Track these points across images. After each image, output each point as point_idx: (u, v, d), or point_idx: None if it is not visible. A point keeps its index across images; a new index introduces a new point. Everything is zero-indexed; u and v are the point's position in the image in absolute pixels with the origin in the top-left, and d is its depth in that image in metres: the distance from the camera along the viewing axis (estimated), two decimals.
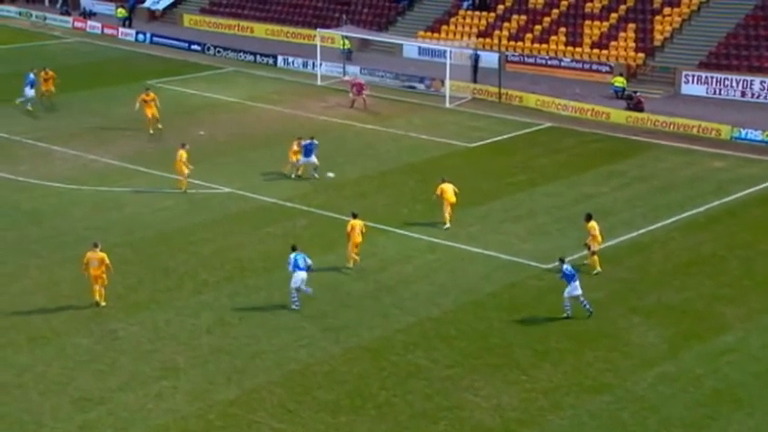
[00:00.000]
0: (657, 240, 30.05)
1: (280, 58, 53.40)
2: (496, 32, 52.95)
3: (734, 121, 41.43)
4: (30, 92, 42.99)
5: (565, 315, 24.87)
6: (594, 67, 49.28)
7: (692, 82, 46.49)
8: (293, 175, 34.72)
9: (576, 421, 20.61)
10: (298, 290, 25.24)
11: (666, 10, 50.49)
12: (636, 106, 43.66)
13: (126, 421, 20.51)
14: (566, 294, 24.88)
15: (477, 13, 54.59)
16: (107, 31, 61.68)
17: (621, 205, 32.85)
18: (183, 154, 33.65)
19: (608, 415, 20.86)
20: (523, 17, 53.24)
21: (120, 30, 61.32)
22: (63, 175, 35.72)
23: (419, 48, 53.34)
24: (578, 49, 50.51)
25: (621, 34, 50.18)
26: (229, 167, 36.63)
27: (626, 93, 45.53)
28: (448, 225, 30.53)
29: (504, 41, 52.26)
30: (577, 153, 38.96)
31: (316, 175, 34.61)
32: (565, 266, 24.99)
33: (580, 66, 49.64)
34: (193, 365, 22.66)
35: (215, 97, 46.98)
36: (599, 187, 34.64)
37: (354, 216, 27.86)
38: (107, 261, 25.22)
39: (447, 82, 46.13)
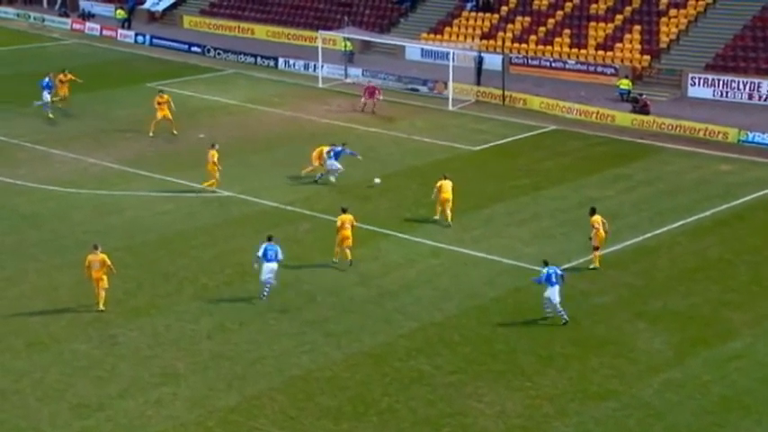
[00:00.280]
0: (664, 245, 30.04)
1: (281, 60, 53.45)
2: (500, 34, 52.98)
3: (741, 124, 41.41)
4: (47, 96, 42.46)
5: (562, 321, 24.82)
6: (599, 69, 49.28)
7: (699, 84, 46.49)
8: (317, 178, 34.56)
9: (581, 428, 20.60)
10: (265, 282, 25.64)
11: (672, 11, 50.50)
12: (642, 109, 43.66)
13: (125, 428, 20.51)
14: (545, 295, 24.75)
15: (481, 14, 54.63)
16: (106, 32, 61.76)
17: (627, 209, 32.84)
18: (213, 154, 33.72)
19: (613, 422, 20.85)
20: (527, 19, 53.26)
21: (120, 31, 61.40)
22: (62, 179, 35.76)
23: (422, 50, 53.37)
24: (583, 51, 50.52)
25: (627, 36, 50.19)
26: (230, 171, 36.59)
27: (631, 95, 45.53)
28: (449, 221, 30.83)
29: (508, 43, 52.27)
30: (582, 156, 38.96)
31: (332, 179, 34.51)
32: (547, 270, 24.74)
33: (585, 68, 49.65)
34: (193, 371, 22.66)
35: (215, 100, 47.02)
36: (604, 191, 34.63)
37: (344, 211, 28.15)
38: (108, 262, 25.24)
39: (450, 84, 46.14)
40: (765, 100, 45.06)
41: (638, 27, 50.31)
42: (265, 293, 25.91)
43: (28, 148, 39.39)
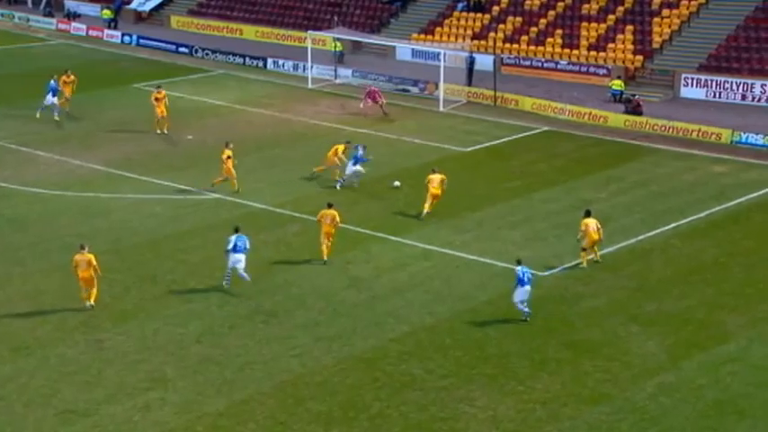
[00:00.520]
0: (657, 247, 30.11)
1: (270, 61, 53.39)
2: (491, 34, 53.04)
3: (734, 125, 41.54)
4: (51, 99, 41.95)
5: (523, 318, 25.01)
6: (592, 69, 49.38)
7: (692, 85, 46.63)
8: (338, 184, 34.39)
9: None
10: (233, 270, 26.13)
11: (665, 11, 50.64)
12: (634, 110, 43.76)
13: None
14: (516, 298, 25.02)
15: (472, 14, 54.69)
16: (92, 32, 61.58)
17: (620, 211, 32.90)
18: (228, 152, 33.88)
19: (607, 426, 20.86)
20: (519, 19, 53.35)
21: (106, 31, 61.23)
22: (48, 181, 35.63)
23: (413, 50, 53.40)
24: (575, 52, 50.61)
25: (619, 36, 50.32)
26: (218, 173, 36.55)
27: (624, 96, 45.64)
28: (424, 214, 31.27)
29: (500, 44, 52.34)
30: (575, 158, 39.02)
31: (355, 184, 34.46)
32: (519, 269, 24.96)
33: (577, 68, 49.75)
34: (182, 376, 22.59)
35: (203, 101, 46.94)
36: (597, 193, 34.68)
37: (329, 206, 28.45)
38: (94, 263, 25.26)
39: (441, 85, 46.17)
40: (759, 101, 45.23)
41: (630, 27, 50.45)
42: (227, 282, 26.56)
43: (13, 150, 39.24)
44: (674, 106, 45.30)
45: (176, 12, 63.30)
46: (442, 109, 45.55)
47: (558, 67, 50.09)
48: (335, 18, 55.96)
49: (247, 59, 54.14)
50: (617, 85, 46.48)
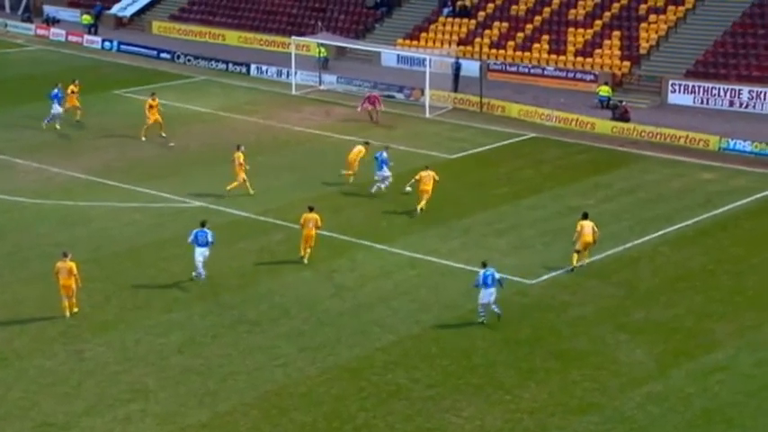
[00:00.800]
0: (645, 254, 30.22)
1: (253, 67, 53.37)
2: (477, 40, 53.21)
3: (722, 131, 41.80)
4: (57, 108, 41.70)
5: (479, 320, 25.30)
6: (579, 75, 49.60)
7: (679, 91, 46.90)
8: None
9: None
10: (203, 266, 27.26)
11: (652, 17, 50.94)
12: (622, 116, 43.96)
13: None
14: (479, 300, 25.27)
15: (458, 20, 54.84)
16: (72, 38, 61.42)
17: (608, 218, 33.00)
18: (239, 156, 34.22)
19: None
20: (505, 24, 53.55)
21: (86, 37, 61.08)
22: (26, 189, 35.47)
23: (398, 56, 53.49)
24: (562, 58, 50.83)
25: (606, 42, 50.57)
26: (201, 180, 36.50)
27: (611, 102, 45.84)
28: (418, 210, 32.27)
29: (486, 49, 52.53)
30: (562, 164, 39.16)
31: (382, 187, 34.62)
32: (484, 271, 25.11)
33: (564, 74, 49.95)
34: (163, 387, 22.50)
35: (186, 107, 46.85)
36: (585, 199, 34.80)
37: (310, 210, 28.94)
38: (75, 271, 25.25)
39: (427, 91, 46.26)
40: (746, 107, 45.52)
41: (617, 33, 50.71)
42: (197, 274, 27.45)
43: None
44: (662, 112, 45.54)
45: (157, 17, 63.21)
46: (427, 115, 45.63)
47: (545, 73, 50.28)
48: (320, 23, 56.01)
49: (230, 65, 54.11)
50: (604, 91, 46.69)
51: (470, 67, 48.87)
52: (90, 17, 62.66)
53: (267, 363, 23.60)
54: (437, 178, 32.97)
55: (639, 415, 21.61)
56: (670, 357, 24.05)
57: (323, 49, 52.15)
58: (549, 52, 51.29)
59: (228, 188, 34.30)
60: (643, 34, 50.25)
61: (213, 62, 54.77)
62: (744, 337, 25.10)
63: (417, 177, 32.73)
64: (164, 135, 41.02)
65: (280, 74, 52.10)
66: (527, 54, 51.63)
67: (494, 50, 52.44)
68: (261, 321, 25.66)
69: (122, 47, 58.84)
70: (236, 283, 27.90)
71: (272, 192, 35.20)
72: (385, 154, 34.89)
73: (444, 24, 54.95)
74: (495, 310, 25.31)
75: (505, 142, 42.07)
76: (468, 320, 25.73)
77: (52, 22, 64.78)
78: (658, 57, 49.46)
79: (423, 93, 46.81)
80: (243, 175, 34.24)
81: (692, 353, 24.27)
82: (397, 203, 34.03)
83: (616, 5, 52.14)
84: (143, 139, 40.83)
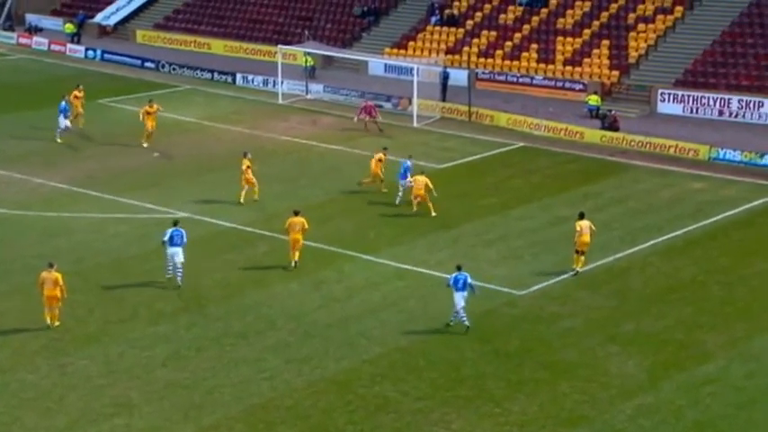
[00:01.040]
0: (635, 265, 30.31)
1: (239, 76, 53.37)
2: (466, 49, 53.36)
3: (712, 140, 42.00)
4: (64, 122, 41.54)
5: (449, 323, 25.69)
6: (568, 84, 49.79)
7: (669, 100, 47.13)
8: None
9: None
10: (174, 265, 27.85)
11: (641, 26, 51.21)
12: (611, 125, 44.13)
13: None
14: (453, 303, 25.64)
15: (446, 28, 55.00)
16: (54, 47, 61.28)
17: (598, 228, 32.90)
18: (246, 162, 34.61)
19: None
20: (493, 33, 53.73)
21: (69, 46, 60.94)
22: (8, 200, 35.33)
23: (385, 65, 53.58)
24: (551, 67, 51.01)
25: (595, 51, 50.79)
26: (186, 191, 36.44)
27: (601, 111, 46.03)
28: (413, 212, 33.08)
29: (474, 58, 52.67)
30: (551, 174, 39.27)
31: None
32: (456, 275, 25.46)
33: (553, 83, 50.13)
34: (148, 401, 22.41)
35: (171, 117, 46.70)
36: (574, 209, 34.69)
37: (296, 214, 29.32)
38: (61, 282, 25.20)
39: (415, 100, 46.35)
40: (736, 116, 45.78)
41: (606, 42, 50.94)
42: (170, 274, 27.92)
43: None
44: (652, 122, 45.75)
45: (142, 26, 63.16)
46: (415, 125, 45.71)
47: (534, 82, 50.45)
48: (306, 32, 56.08)
49: (216, 74, 54.09)
50: (593, 100, 46.88)
51: (458, 77, 49.00)
52: (73, 26, 62.55)
53: (253, 376, 23.54)
54: (431, 186, 33.45)
55: (630, 428, 21.63)
56: (661, 369, 24.10)
57: (309, 58, 52.20)
58: (538, 61, 51.47)
59: (241, 200, 34.59)
60: (632, 43, 50.50)
61: (198, 71, 54.74)
62: (735, 349, 25.18)
63: (411, 180, 33.59)
64: (145, 145, 41.06)
65: (266, 83, 52.10)
66: (516, 63, 51.81)
67: (482, 59, 52.60)
68: (247, 333, 25.61)
69: (106, 56, 58.75)
70: (222, 295, 27.84)
71: (258, 202, 35.17)
72: (409, 163, 35.26)
73: (432, 33, 55.09)
74: (465, 321, 25.49)
75: (494, 152, 42.17)
76: (457, 332, 25.74)
77: (35, 30, 64.64)
78: (647, 66, 49.71)
79: (410, 102, 46.89)
80: (252, 180, 34.66)
81: (683, 365, 24.33)
82: (384, 214, 34.03)
83: (605, 14, 52.40)
84: (144, 145, 41.05)
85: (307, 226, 29.20)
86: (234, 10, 61.36)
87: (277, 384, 23.18)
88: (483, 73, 51.38)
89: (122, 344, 25.01)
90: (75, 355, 24.44)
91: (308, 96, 50.36)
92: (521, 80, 50.70)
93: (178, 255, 27.80)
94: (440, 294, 28.03)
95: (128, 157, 40.51)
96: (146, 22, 63.46)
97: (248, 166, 34.63)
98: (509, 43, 52.86)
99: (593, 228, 29.24)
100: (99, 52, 59.18)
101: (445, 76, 48.90)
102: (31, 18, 66.24)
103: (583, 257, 29.25)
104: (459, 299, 25.48)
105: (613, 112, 45.06)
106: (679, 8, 51.28)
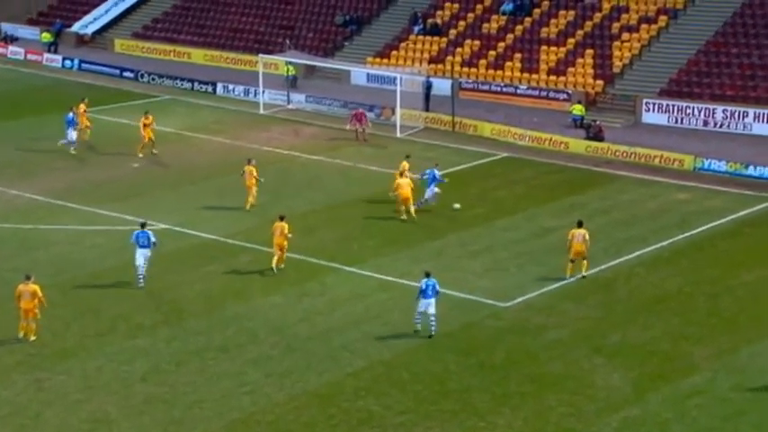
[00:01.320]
0: (621, 276, 30.41)
1: (219, 86, 53.32)
2: (449, 58, 53.51)
3: (697, 150, 42.24)
4: (72, 134, 41.48)
5: (414, 330, 25.97)
6: (552, 94, 49.99)
7: (653, 110, 47.38)
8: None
9: None
10: (140, 267, 28.37)
11: (625, 35, 51.51)
12: (596, 135, 44.32)
13: None
14: (417, 308, 25.97)
15: (429, 38, 55.15)
16: (31, 56, 61.04)
17: None
18: (251, 170, 34.96)
19: None
20: (477, 42, 53.91)
21: (46, 55, 60.72)
22: None
23: (368, 74, 53.64)
24: (534, 76, 51.20)
25: (579, 60, 51.04)
26: (166, 202, 36.32)
27: (585, 121, 46.22)
28: (404, 217, 33.56)
29: (457, 68, 52.82)
30: (536, 185, 39.38)
31: (433, 203, 35.31)
32: (426, 281, 25.81)
33: (537, 93, 50.31)
34: (126, 416, 22.28)
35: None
36: (559, 220, 34.96)
37: (281, 219, 29.76)
38: (39, 294, 25.11)
39: (398, 110, 46.43)
40: (721, 126, 46.06)
41: (590, 51, 51.20)
42: (140, 281, 28.43)
43: None
44: (636, 132, 45.97)
45: (120, 35, 63.01)
46: (398, 135, 45.77)
47: (518, 91, 50.62)
48: (288, 41, 56.10)
49: (196, 84, 54.02)
50: (578, 110, 47.07)
51: (442, 86, 49.12)
52: (50, 35, 62.30)
53: (234, 390, 23.44)
54: (413, 186, 34.19)
55: None
56: (647, 381, 24.16)
57: (291, 68, 52.21)
58: (522, 71, 51.65)
59: (248, 207, 34.82)
60: (616, 53, 50.78)
61: (178, 81, 54.65)
62: (721, 360, 25.27)
63: (395, 185, 34.10)
64: (154, 152, 41.61)
65: (247, 93, 52.07)
66: (499, 72, 51.99)
67: (465, 69, 52.76)
68: (228, 347, 25.50)
69: (84, 65, 58.55)
70: (203, 308, 27.73)
71: (239, 213, 35.09)
72: (437, 171, 35.60)
73: (415, 42, 55.22)
74: (432, 328, 25.72)
75: (478, 162, 42.26)
76: (442, 345, 25.72)
77: (10, 40, 64.35)
78: (632, 75, 49.98)
79: (393, 112, 46.96)
80: (254, 188, 34.88)
81: (669, 377, 24.40)
82: (368, 225, 34.00)
83: (589, 24, 52.70)
84: (140, 155, 41.24)
85: (287, 231, 29.41)
86: (214, 19, 61.35)
87: (258, 399, 23.09)
88: (466, 82, 51.53)
89: (100, 358, 24.86)
90: (52, 369, 24.27)
91: (290, 106, 50.36)
92: (504, 90, 50.86)
93: (145, 255, 28.37)
94: None
95: (107, 169, 40.36)
96: (124, 31, 63.32)
97: (254, 173, 34.94)
98: (492, 52, 53.06)
99: (587, 237, 29.36)
100: (76, 62, 58.99)
101: (428, 86, 49.01)
102: (7, 27, 65.98)
103: (585, 262, 29.64)
104: (426, 305, 25.75)
105: (598, 122, 45.25)
106: (663, 17, 51.62)
